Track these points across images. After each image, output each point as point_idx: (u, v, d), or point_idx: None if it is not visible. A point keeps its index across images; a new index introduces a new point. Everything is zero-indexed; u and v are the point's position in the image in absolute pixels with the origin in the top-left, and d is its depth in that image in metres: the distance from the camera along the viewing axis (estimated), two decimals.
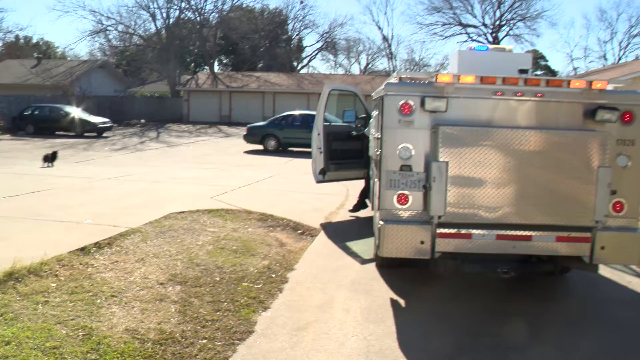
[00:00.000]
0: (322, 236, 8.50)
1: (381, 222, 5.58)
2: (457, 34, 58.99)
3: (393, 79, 5.71)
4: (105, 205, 9.63)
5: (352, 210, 9.90)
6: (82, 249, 6.79)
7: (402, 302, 5.90)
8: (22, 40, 67.26)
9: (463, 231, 5.47)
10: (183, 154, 21.01)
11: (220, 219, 9.02)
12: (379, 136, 6.04)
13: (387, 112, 5.54)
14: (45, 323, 4.69)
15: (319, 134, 9.77)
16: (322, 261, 7.23)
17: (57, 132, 28.24)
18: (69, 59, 55.98)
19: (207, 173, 14.98)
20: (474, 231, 5.46)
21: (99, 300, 5.32)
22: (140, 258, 6.74)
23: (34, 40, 69.10)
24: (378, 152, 6.03)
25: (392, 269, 6.73)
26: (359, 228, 9.04)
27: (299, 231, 8.77)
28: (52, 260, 6.15)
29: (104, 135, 28.56)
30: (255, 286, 6.08)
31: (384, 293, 6.13)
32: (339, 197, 11.38)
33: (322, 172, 9.98)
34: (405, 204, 5.55)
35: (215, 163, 17.95)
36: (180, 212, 9.15)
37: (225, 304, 5.53)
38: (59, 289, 5.50)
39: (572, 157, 5.43)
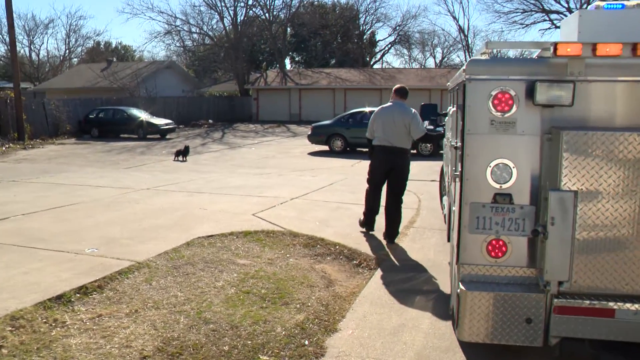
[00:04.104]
0: (382, 270, 6.53)
1: (461, 287, 3.52)
2: (539, 22, 54.60)
3: (481, 54, 3.61)
4: (123, 227, 8.06)
5: None
6: (60, 297, 5.18)
7: None
8: (102, 46, 69.08)
9: (599, 305, 3.32)
10: (242, 157, 19.55)
11: (257, 244, 7.24)
12: (458, 145, 3.97)
13: (471, 107, 3.48)
14: None
15: None
16: (377, 314, 5.25)
17: (121, 135, 27.65)
18: (145, 60, 56.45)
19: (260, 180, 13.30)
20: (619, 306, 3.31)
21: None
22: (134, 310, 5.05)
23: (113, 45, 70.88)
24: (457, 172, 3.92)
25: None
26: (432, 256, 6.99)
27: (355, 261, 6.84)
28: (3, 320, 4.53)
29: (167, 137, 27.66)
30: None
31: None
32: (409, 212, 9.24)
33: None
34: (500, 257, 3.46)
35: (274, 167, 16.36)
36: (208, 237, 7.45)
37: None
38: None
39: None
